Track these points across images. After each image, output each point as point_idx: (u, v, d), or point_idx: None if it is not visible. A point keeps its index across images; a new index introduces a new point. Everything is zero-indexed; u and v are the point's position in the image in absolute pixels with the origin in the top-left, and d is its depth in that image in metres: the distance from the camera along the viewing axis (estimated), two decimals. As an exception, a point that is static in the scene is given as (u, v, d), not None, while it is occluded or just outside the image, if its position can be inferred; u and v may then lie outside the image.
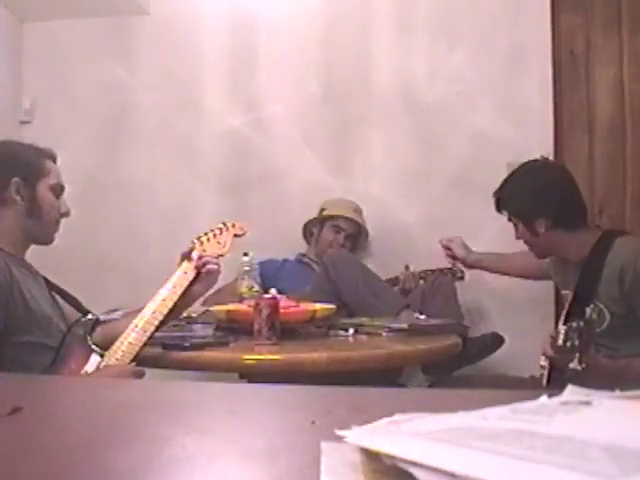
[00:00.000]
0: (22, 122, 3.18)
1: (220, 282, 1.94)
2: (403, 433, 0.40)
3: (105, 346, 1.54)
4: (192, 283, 1.70)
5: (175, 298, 1.64)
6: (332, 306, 2.08)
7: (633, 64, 2.78)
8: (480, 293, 2.79)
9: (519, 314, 2.75)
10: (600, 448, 0.33)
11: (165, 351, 1.71)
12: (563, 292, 2.10)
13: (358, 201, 2.86)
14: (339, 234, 2.78)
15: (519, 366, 2.43)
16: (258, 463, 0.46)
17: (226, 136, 3.11)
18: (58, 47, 3.22)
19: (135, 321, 1.58)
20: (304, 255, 2.87)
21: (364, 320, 2.12)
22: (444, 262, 2.66)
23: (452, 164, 2.92)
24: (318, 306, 2.06)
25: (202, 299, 2.11)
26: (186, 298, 1.70)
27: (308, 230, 2.91)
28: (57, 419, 0.61)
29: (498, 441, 0.35)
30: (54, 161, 1.75)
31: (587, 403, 0.43)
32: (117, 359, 1.51)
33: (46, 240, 1.74)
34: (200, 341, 1.80)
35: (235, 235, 1.83)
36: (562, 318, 1.89)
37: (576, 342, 1.56)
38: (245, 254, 2.31)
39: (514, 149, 2.76)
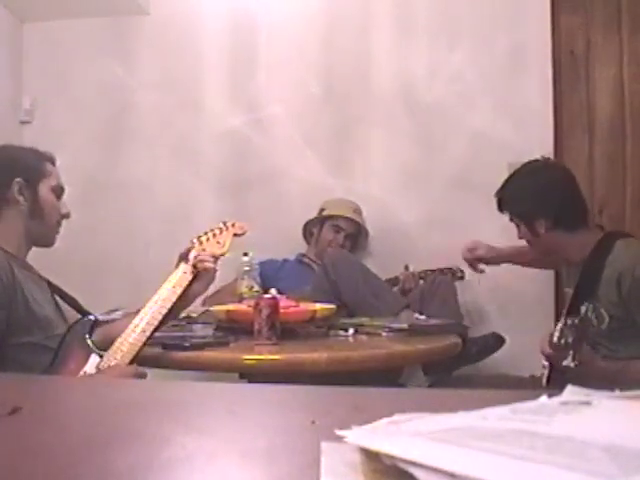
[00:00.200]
0: (22, 122, 3.18)
1: (220, 282, 1.94)
2: (403, 433, 0.40)
3: (104, 347, 1.54)
4: (191, 283, 1.69)
5: (174, 298, 1.64)
6: (332, 306, 2.08)
7: (633, 64, 2.78)
8: (480, 293, 2.79)
9: (519, 314, 2.75)
10: (600, 448, 0.33)
11: (165, 351, 1.71)
12: (565, 290, 2.10)
13: (358, 201, 2.86)
14: (339, 234, 2.79)
15: (519, 366, 2.43)
16: (258, 463, 0.46)
17: (226, 136, 3.11)
18: (58, 47, 3.22)
19: (135, 321, 1.58)
20: (304, 255, 2.87)
21: (364, 320, 2.12)
22: (444, 262, 2.66)
23: (452, 164, 2.92)
24: (318, 306, 2.06)
25: (202, 299, 2.11)
26: (185, 298, 1.70)
27: (308, 230, 2.91)
28: (57, 419, 0.61)
29: (498, 441, 0.35)
30: (53, 163, 1.77)
31: (587, 403, 0.43)
32: (117, 359, 1.51)
33: (47, 242, 1.75)
34: (200, 341, 1.80)
35: (235, 234, 1.83)
36: (562, 317, 1.89)
37: (570, 339, 1.56)
38: (245, 254, 2.31)
39: (514, 149, 2.76)
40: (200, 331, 2.00)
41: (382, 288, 2.44)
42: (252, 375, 1.79)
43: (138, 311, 1.62)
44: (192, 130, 3.13)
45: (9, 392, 0.72)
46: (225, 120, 3.11)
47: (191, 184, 3.11)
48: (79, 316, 1.70)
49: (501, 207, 2.09)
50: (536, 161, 2.13)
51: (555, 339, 1.59)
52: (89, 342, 1.55)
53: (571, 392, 0.46)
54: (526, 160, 2.14)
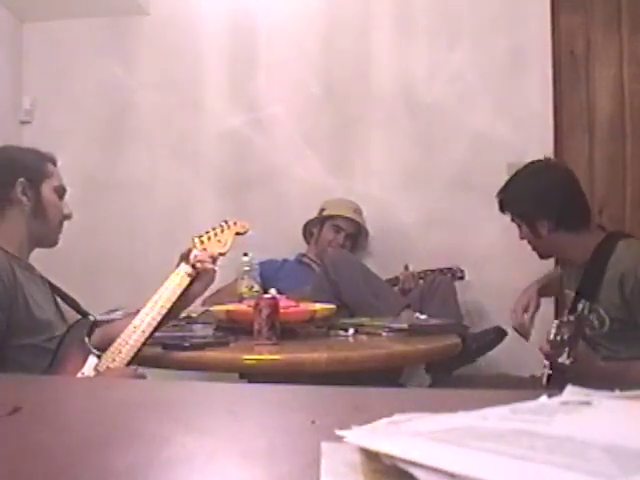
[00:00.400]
0: (22, 122, 3.18)
1: (220, 282, 1.94)
2: (403, 433, 0.40)
3: (103, 347, 1.54)
4: (191, 283, 1.69)
5: (174, 298, 1.64)
6: (332, 306, 2.08)
7: (633, 64, 2.78)
8: (480, 293, 2.79)
9: (519, 314, 2.74)
10: (600, 448, 0.33)
11: (165, 351, 1.71)
12: (565, 291, 2.09)
13: (358, 201, 2.86)
14: (339, 234, 2.79)
15: (520, 365, 2.43)
16: (258, 463, 0.46)
17: (226, 136, 3.11)
18: (58, 47, 3.22)
19: (134, 322, 1.58)
20: (304, 255, 2.87)
21: (364, 320, 2.12)
22: (444, 262, 2.66)
23: (452, 164, 2.92)
24: (318, 306, 2.06)
25: (202, 299, 2.11)
26: (185, 298, 1.70)
27: (308, 230, 2.91)
28: (56, 419, 0.61)
29: (498, 441, 0.35)
30: (54, 164, 1.77)
31: (587, 403, 0.43)
32: (116, 361, 1.51)
33: (50, 242, 1.75)
34: (200, 341, 1.79)
35: (237, 233, 1.83)
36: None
37: (565, 336, 1.56)
38: (245, 254, 2.31)
39: (514, 149, 2.76)
40: (200, 331, 2.00)
41: (382, 288, 2.44)
42: (252, 375, 1.79)
43: (138, 311, 1.62)
44: (192, 130, 3.13)
45: (9, 392, 0.72)
46: (225, 120, 3.11)
47: (191, 184, 3.11)
48: (78, 315, 1.70)
49: (503, 208, 2.08)
50: (538, 161, 2.13)
51: (551, 336, 1.59)
52: (88, 343, 1.55)
53: (571, 392, 0.46)
54: (526, 160, 2.14)
